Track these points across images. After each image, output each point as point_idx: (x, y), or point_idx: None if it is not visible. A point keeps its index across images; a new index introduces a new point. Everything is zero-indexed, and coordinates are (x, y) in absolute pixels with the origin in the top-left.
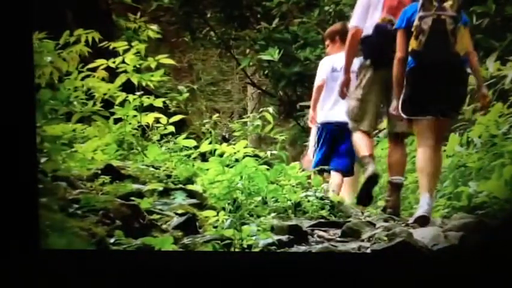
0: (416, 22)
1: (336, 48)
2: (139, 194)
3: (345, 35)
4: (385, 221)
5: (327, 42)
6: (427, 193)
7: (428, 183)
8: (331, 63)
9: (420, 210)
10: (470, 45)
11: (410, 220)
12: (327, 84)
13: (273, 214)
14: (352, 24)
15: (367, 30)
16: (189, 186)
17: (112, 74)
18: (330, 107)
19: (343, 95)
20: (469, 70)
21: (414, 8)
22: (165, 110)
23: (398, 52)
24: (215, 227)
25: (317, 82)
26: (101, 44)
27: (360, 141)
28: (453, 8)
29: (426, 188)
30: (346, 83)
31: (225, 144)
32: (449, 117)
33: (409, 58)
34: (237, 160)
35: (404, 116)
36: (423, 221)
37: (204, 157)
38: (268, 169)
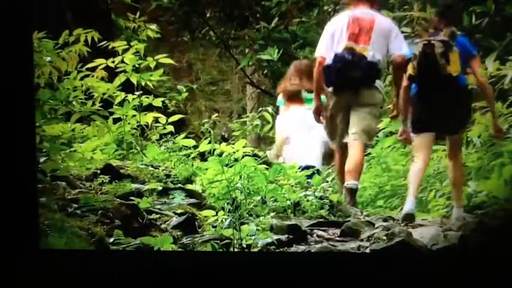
0: (413, 49)
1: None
2: (139, 194)
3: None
4: (385, 220)
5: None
6: (412, 196)
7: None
8: (292, 120)
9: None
10: (479, 76)
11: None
12: (295, 136)
13: (272, 214)
14: (317, 54)
15: (330, 59)
16: (188, 186)
17: (111, 73)
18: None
19: (317, 120)
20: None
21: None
22: (164, 110)
23: (404, 80)
24: (214, 227)
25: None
26: (100, 44)
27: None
28: (445, 35)
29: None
30: (317, 110)
31: (224, 143)
32: (452, 135)
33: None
34: (236, 160)
35: (411, 138)
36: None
37: (203, 157)
38: (267, 169)
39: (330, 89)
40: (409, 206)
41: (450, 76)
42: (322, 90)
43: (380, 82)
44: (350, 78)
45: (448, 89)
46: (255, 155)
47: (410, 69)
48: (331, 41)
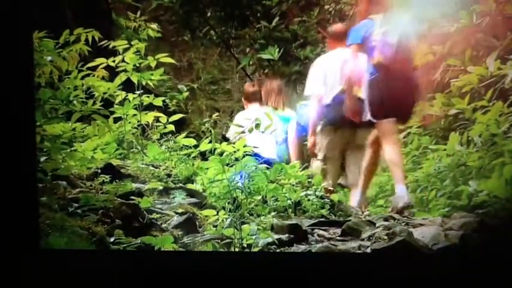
0: (379, 37)
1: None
2: (139, 193)
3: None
4: (385, 220)
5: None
6: (403, 184)
7: (402, 174)
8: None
9: (404, 200)
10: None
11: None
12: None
13: (273, 213)
14: (312, 92)
15: (328, 99)
16: (189, 185)
17: (112, 73)
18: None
19: (313, 154)
20: None
21: (366, 26)
22: (164, 109)
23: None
24: (215, 226)
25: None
26: (101, 43)
27: None
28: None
29: (402, 179)
30: (313, 144)
31: (224, 143)
32: (402, 121)
33: (371, 68)
34: (237, 159)
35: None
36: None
37: (204, 156)
38: (268, 168)
39: (327, 128)
40: (405, 197)
41: (415, 68)
42: (317, 126)
43: None
44: (350, 119)
45: (410, 79)
46: (255, 155)
47: (380, 58)
48: (323, 82)
